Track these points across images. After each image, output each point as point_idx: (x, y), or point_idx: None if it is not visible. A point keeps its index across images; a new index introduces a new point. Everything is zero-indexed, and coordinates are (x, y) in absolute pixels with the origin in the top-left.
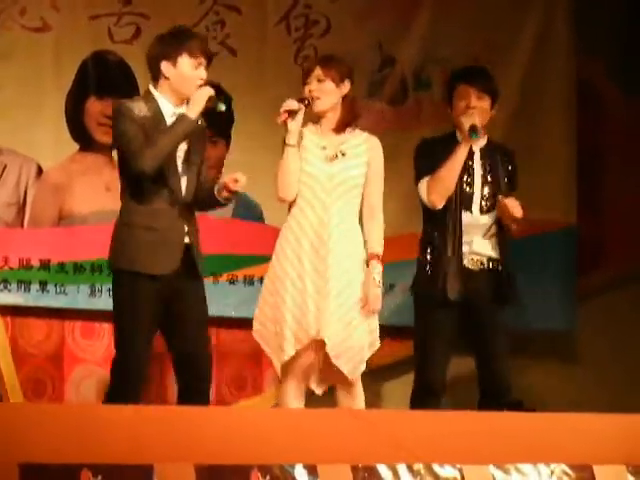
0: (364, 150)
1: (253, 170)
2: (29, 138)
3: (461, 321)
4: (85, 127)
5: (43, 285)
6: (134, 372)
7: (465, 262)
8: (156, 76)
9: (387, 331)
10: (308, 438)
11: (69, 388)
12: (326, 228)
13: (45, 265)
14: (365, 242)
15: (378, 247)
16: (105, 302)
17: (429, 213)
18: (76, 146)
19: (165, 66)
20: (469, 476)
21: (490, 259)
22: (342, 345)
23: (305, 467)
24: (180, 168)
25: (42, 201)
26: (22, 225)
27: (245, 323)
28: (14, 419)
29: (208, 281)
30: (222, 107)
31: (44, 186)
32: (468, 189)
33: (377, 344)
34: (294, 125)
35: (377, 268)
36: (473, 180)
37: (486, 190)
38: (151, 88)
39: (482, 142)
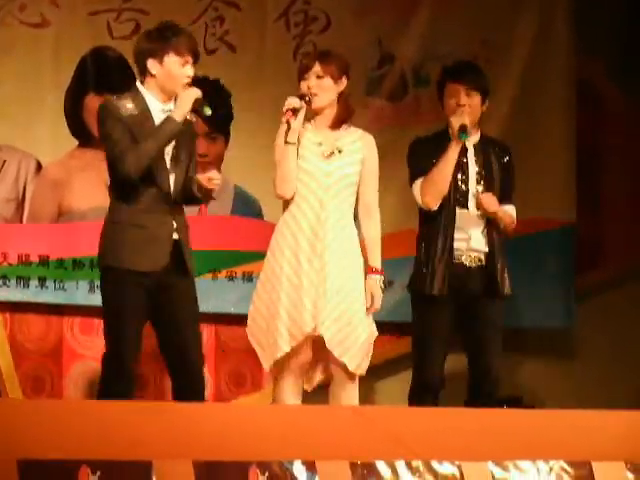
0: (359, 147)
1: (252, 166)
2: (28, 134)
3: (457, 317)
4: (84, 123)
5: (42, 281)
6: (124, 369)
7: (463, 259)
8: (143, 72)
9: (386, 327)
10: (306, 435)
11: (68, 384)
12: (323, 225)
13: (44, 261)
14: (361, 241)
15: (377, 262)
16: None
17: (425, 212)
18: (75, 142)
19: (151, 64)
20: (468, 473)
21: (487, 255)
22: (346, 342)
23: (303, 463)
24: (168, 165)
25: (41, 197)
26: (21, 221)
27: (244, 320)
28: (13, 415)
29: (207, 278)
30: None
31: (43, 182)
32: (463, 187)
33: (376, 333)
34: (297, 123)
35: (379, 277)
36: (468, 177)
37: (481, 186)
38: (138, 84)
39: (475, 138)
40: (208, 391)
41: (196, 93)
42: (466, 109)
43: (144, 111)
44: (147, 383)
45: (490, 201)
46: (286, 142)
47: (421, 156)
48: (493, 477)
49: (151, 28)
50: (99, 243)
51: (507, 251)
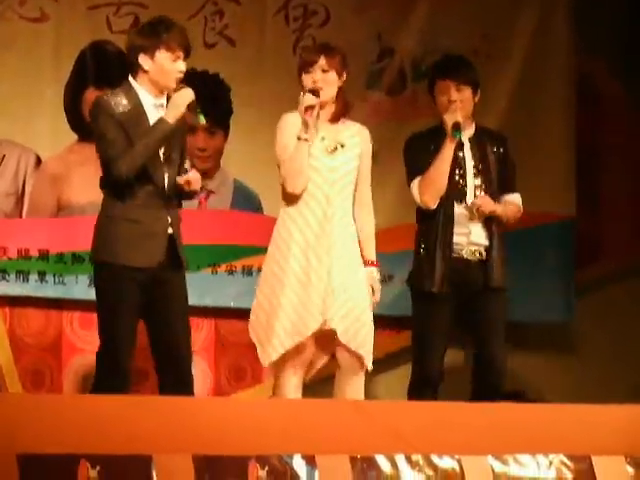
0: (357, 142)
1: (252, 160)
2: (28, 128)
3: (458, 312)
4: (83, 117)
5: (42, 275)
6: (119, 365)
7: (463, 253)
8: (135, 68)
9: (386, 322)
10: (306, 429)
11: (68, 378)
12: (330, 221)
13: (44, 255)
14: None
15: (374, 255)
16: None
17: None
18: (74, 136)
19: (143, 59)
20: (467, 467)
21: (487, 248)
22: (358, 336)
23: (303, 458)
24: (162, 160)
25: (41, 191)
26: (21, 215)
27: (244, 314)
28: (13, 410)
29: (207, 272)
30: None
31: (43, 176)
32: (461, 181)
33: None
34: (312, 120)
35: (376, 270)
36: (465, 172)
37: (479, 180)
38: (130, 79)
39: (470, 131)
40: (208, 385)
41: (189, 96)
42: (457, 104)
43: (137, 106)
44: (145, 378)
45: (485, 203)
46: (302, 139)
47: (417, 153)
48: (493, 471)
49: (143, 23)
50: (93, 238)
51: (507, 245)
